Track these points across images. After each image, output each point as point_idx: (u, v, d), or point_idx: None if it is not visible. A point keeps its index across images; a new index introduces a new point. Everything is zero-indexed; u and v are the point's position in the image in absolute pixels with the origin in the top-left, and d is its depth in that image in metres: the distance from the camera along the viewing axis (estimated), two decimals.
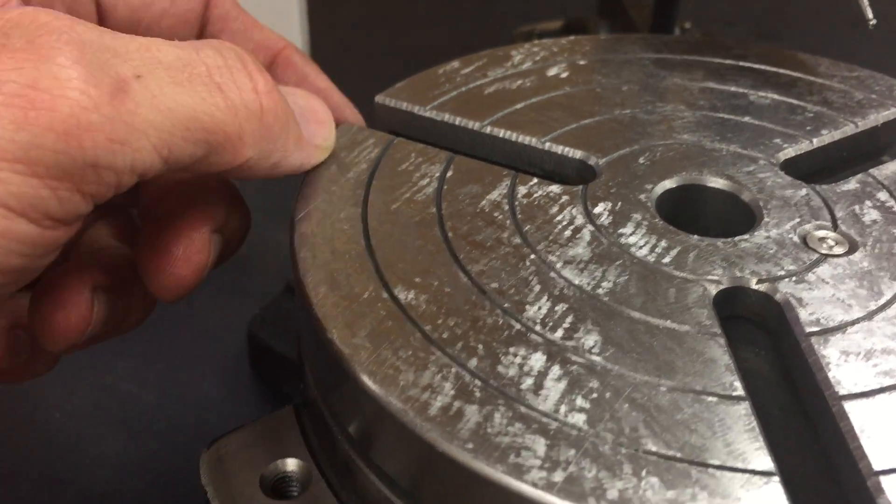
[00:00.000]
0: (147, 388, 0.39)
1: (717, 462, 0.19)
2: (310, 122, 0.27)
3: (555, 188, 0.28)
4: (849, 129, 0.31)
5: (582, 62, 0.35)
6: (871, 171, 0.29)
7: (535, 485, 0.19)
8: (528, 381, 0.21)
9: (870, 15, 0.32)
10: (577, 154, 0.30)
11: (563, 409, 0.20)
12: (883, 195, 0.28)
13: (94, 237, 0.29)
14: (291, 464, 0.25)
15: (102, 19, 0.28)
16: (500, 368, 0.21)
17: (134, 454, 0.36)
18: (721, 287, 0.24)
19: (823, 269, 0.25)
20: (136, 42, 0.21)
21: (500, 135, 0.31)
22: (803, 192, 0.28)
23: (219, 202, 0.27)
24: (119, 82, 0.20)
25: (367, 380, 0.21)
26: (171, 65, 0.21)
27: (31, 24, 0.20)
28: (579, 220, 0.26)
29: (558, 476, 0.19)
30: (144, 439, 0.37)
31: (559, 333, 0.22)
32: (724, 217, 0.28)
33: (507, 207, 0.27)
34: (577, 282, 0.24)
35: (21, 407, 0.38)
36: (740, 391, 0.21)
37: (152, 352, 0.39)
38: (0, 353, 0.26)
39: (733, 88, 0.33)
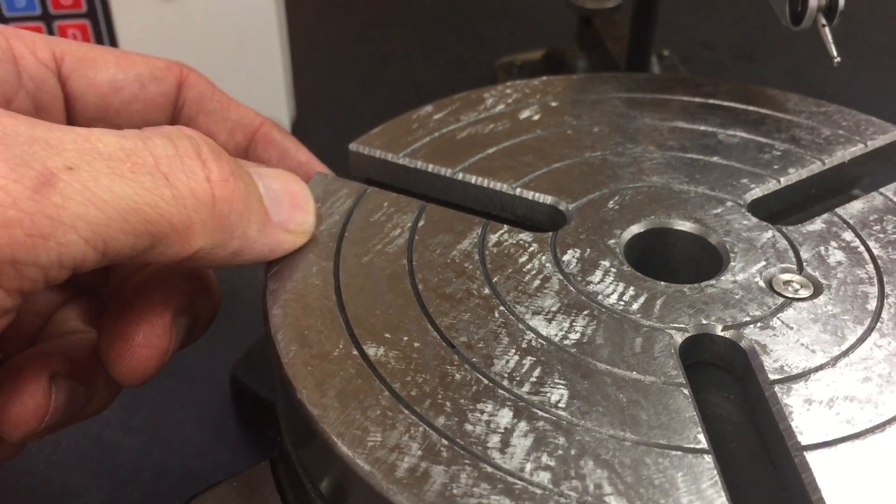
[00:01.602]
0: (132, 435, 0.39)
1: None
2: (283, 206, 0.26)
3: (524, 236, 0.28)
4: (816, 167, 0.31)
5: (554, 104, 0.35)
6: (837, 210, 0.29)
7: None
8: (495, 439, 0.21)
9: (834, 52, 0.32)
10: (548, 199, 0.30)
11: (528, 467, 0.21)
12: (848, 235, 0.28)
13: (61, 321, 0.29)
14: None
15: (71, 107, 0.28)
16: (468, 426, 0.22)
17: (119, 502, 0.36)
18: (687, 335, 0.24)
19: (788, 314, 0.25)
20: (74, 133, 0.21)
21: (472, 181, 0.31)
22: (769, 234, 0.28)
23: (183, 284, 0.26)
24: (45, 175, 0.20)
25: (335, 440, 0.21)
26: (111, 155, 0.21)
27: None
28: (548, 268, 0.27)
29: None
30: (129, 488, 0.37)
31: (526, 388, 0.23)
32: (693, 260, 0.28)
33: (477, 257, 0.27)
34: (545, 333, 0.24)
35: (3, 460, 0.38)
36: (704, 444, 0.21)
37: (136, 397, 0.40)
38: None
39: (702, 127, 0.34)
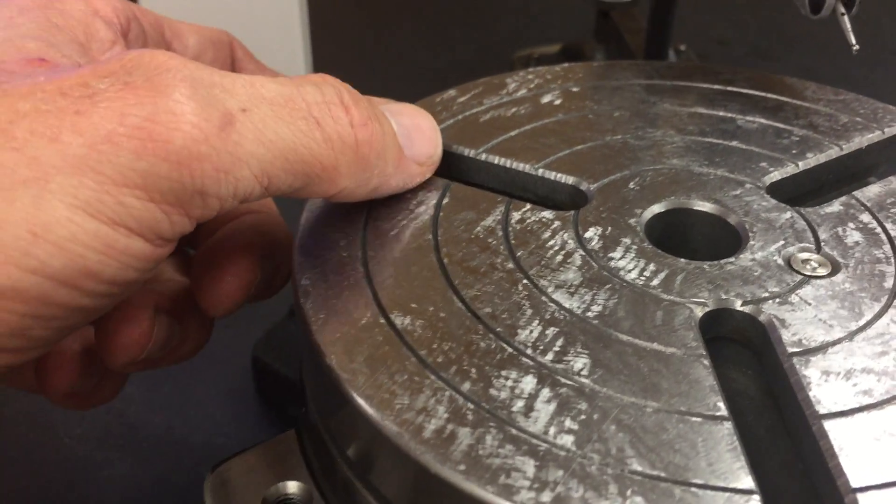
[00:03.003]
0: (155, 412, 0.39)
1: (699, 481, 0.20)
2: (414, 140, 0.28)
3: (547, 214, 0.29)
4: (833, 153, 0.32)
5: (575, 89, 0.36)
6: (854, 193, 0.30)
7: None
8: (519, 404, 0.22)
9: (853, 41, 0.33)
10: (570, 180, 0.30)
11: (552, 430, 0.21)
12: (865, 217, 0.28)
13: (161, 270, 0.31)
14: (293, 486, 0.26)
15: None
16: (493, 391, 0.22)
17: (142, 477, 0.37)
18: (707, 309, 0.25)
19: (806, 291, 0.25)
20: (242, 79, 0.23)
21: (495, 161, 0.32)
22: (788, 215, 0.28)
23: (267, 233, 0.29)
24: (226, 116, 0.22)
25: (363, 404, 0.22)
26: (273, 100, 0.23)
27: (150, 64, 0.22)
28: (570, 244, 0.27)
29: (546, 496, 0.19)
30: (152, 462, 0.37)
31: (550, 356, 0.23)
32: (712, 240, 0.29)
33: (500, 233, 0.28)
34: (567, 305, 0.25)
35: (32, 432, 0.39)
36: (723, 411, 0.22)
37: (160, 376, 0.40)
38: (73, 376, 0.28)
39: (722, 113, 0.34)
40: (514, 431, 0.21)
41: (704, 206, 0.29)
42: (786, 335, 0.24)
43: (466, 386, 0.22)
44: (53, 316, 0.21)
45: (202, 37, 0.31)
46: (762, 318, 0.25)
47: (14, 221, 0.19)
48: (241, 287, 0.28)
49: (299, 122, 0.23)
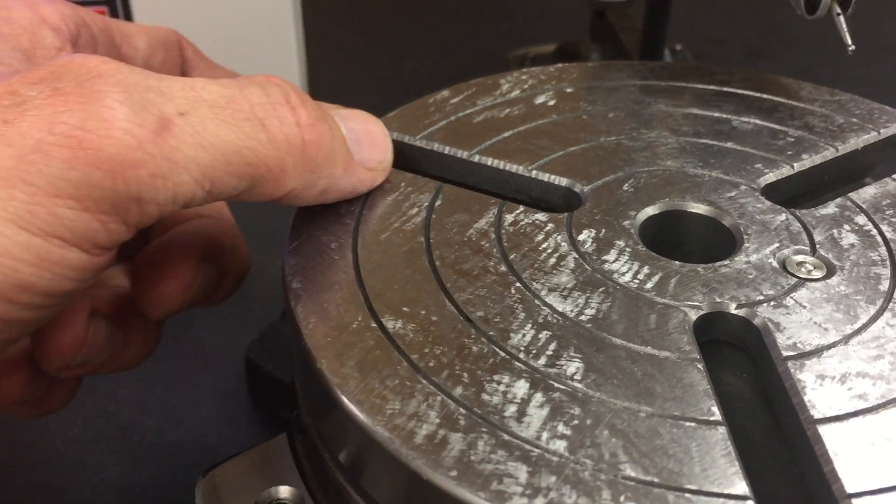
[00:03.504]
0: (147, 414, 0.39)
1: (693, 487, 0.20)
2: (363, 145, 0.28)
3: (540, 216, 0.28)
4: (829, 154, 0.31)
5: (569, 90, 0.36)
6: (850, 194, 0.29)
7: None
8: (512, 409, 0.22)
9: (849, 41, 0.32)
10: (563, 181, 0.30)
11: (544, 435, 0.21)
12: (861, 219, 0.28)
13: (107, 276, 0.30)
14: (284, 491, 0.26)
15: None
16: (485, 396, 0.22)
17: (135, 479, 0.37)
18: (701, 312, 0.25)
19: (801, 294, 0.25)
20: (181, 82, 0.22)
21: (489, 163, 0.31)
22: (783, 216, 0.28)
23: (212, 236, 0.29)
24: (162, 120, 0.21)
25: (354, 409, 0.22)
26: (214, 102, 0.22)
27: (80, 69, 0.21)
28: (564, 247, 0.27)
29: (539, 502, 0.19)
30: (145, 464, 0.37)
31: (542, 361, 0.23)
32: (707, 242, 0.29)
33: (493, 236, 0.27)
34: (560, 309, 0.25)
35: (24, 434, 0.38)
36: (717, 416, 0.21)
37: (152, 378, 0.40)
38: (20, 384, 0.27)
39: (716, 114, 0.34)
40: (506, 437, 0.21)
41: (699, 208, 0.29)
42: (780, 339, 0.24)
43: (458, 391, 0.22)
44: None
45: (151, 38, 0.31)
46: (757, 321, 0.24)
47: None
48: (179, 289, 0.28)
49: (242, 124, 0.23)
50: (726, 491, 0.20)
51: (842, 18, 0.32)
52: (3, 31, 0.25)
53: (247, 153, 0.23)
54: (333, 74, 0.65)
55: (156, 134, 0.21)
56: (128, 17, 0.51)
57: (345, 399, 0.22)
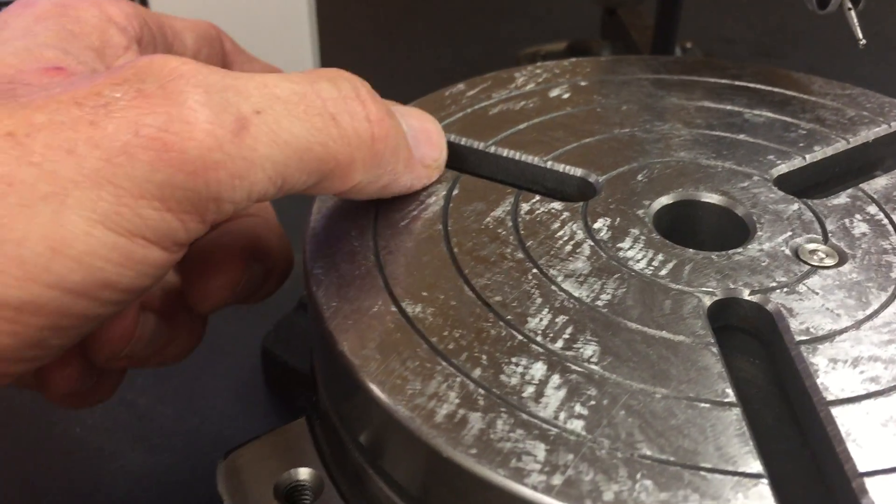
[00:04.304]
0: (165, 403, 0.40)
1: (708, 465, 0.20)
2: (421, 143, 0.28)
3: (556, 205, 0.29)
4: (840, 146, 0.32)
5: (583, 83, 0.36)
6: (861, 185, 0.30)
7: (534, 488, 0.20)
8: (530, 390, 0.22)
9: (860, 35, 0.33)
10: (578, 172, 0.31)
11: (562, 415, 0.21)
12: (872, 209, 0.29)
13: None
14: (304, 473, 0.27)
15: None
16: (503, 378, 0.22)
17: (152, 467, 0.37)
18: (715, 298, 0.25)
19: (814, 281, 0.26)
20: (255, 80, 0.23)
21: (504, 154, 0.32)
22: (795, 206, 0.29)
23: (260, 235, 0.29)
24: (240, 120, 0.21)
25: (375, 389, 0.22)
26: (287, 99, 0.23)
27: (162, 70, 0.21)
28: (579, 235, 0.27)
29: (557, 479, 0.20)
30: (162, 452, 0.38)
31: (559, 344, 0.23)
32: (720, 231, 0.29)
33: (510, 224, 0.28)
34: (576, 294, 0.25)
35: (42, 422, 0.39)
36: (732, 398, 0.22)
37: (170, 368, 0.40)
38: (74, 377, 0.28)
39: (729, 107, 0.34)
40: (524, 416, 0.21)
41: (712, 198, 0.29)
42: (793, 324, 0.24)
43: (477, 372, 0.22)
44: (70, 326, 0.21)
45: (197, 34, 0.31)
46: (770, 307, 0.25)
47: (34, 238, 0.19)
48: (227, 285, 0.28)
49: (315, 119, 0.23)
50: (740, 469, 0.20)
51: (853, 13, 0.33)
52: (75, 29, 0.25)
53: (318, 149, 0.23)
54: (346, 70, 0.66)
55: (234, 134, 0.21)
56: None
57: (366, 380, 0.22)
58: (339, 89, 0.24)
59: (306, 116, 0.23)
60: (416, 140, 0.28)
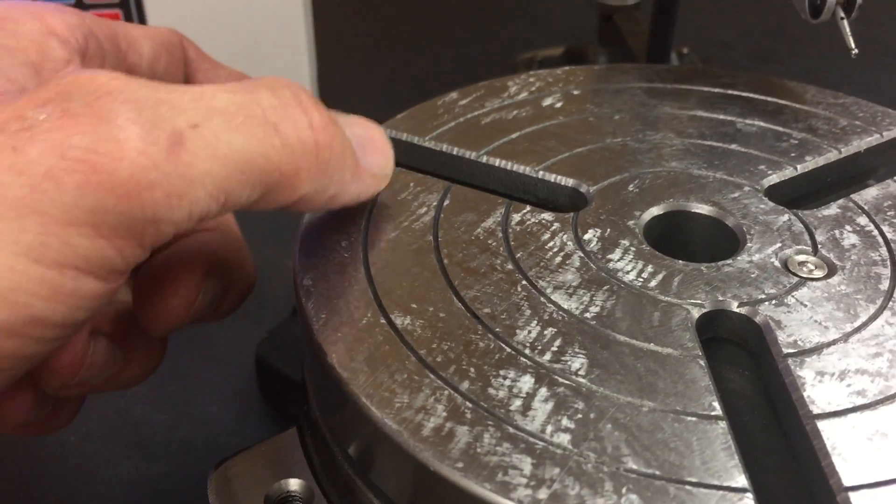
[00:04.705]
0: (159, 411, 0.40)
1: (694, 479, 0.20)
2: (367, 151, 0.27)
3: (547, 215, 0.29)
4: (832, 156, 0.32)
5: (576, 92, 0.36)
6: (852, 196, 0.30)
7: (520, 502, 0.20)
8: (517, 403, 0.22)
9: (852, 44, 0.33)
10: (570, 182, 0.31)
11: (549, 429, 0.21)
12: (863, 220, 0.29)
13: None
14: (294, 483, 0.27)
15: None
16: (491, 390, 0.22)
17: (146, 474, 0.37)
18: (704, 310, 0.25)
19: (803, 293, 0.26)
20: (190, 92, 0.22)
21: (496, 164, 0.32)
22: (785, 217, 0.29)
23: (217, 250, 0.28)
24: (175, 135, 0.20)
25: (364, 402, 0.22)
26: (225, 110, 0.22)
27: (89, 87, 0.20)
28: (569, 246, 0.28)
29: (543, 493, 0.20)
30: (156, 460, 0.38)
31: (547, 357, 0.23)
32: (710, 242, 0.29)
33: (500, 235, 0.28)
34: (565, 306, 0.25)
35: None
36: (718, 411, 0.22)
37: (164, 375, 0.41)
38: (26, 408, 0.26)
39: (721, 116, 0.34)
40: (511, 430, 0.21)
41: (703, 209, 0.29)
42: (781, 336, 0.24)
43: (465, 385, 0.23)
44: (1, 368, 0.20)
45: (155, 42, 0.30)
46: (758, 319, 0.25)
47: None
48: (181, 305, 0.27)
49: (255, 130, 0.22)
50: (726, 483, 0.20)
51: (845, 22, 0.33)
52: (10, 44, 0.24)
53: (261, 160, 0.22)
54: (343, 76, 0.66)
55: (169, 151, 0.20)
56: (141, 18, 0.51)
57: (355, 392, 0.22)
58: (280, 97, 0.23)
59: (246, 127, 0.22)
60: (362, 148, 0.26)
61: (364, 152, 0.27)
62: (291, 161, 0.23)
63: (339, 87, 0.63)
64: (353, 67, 0.68)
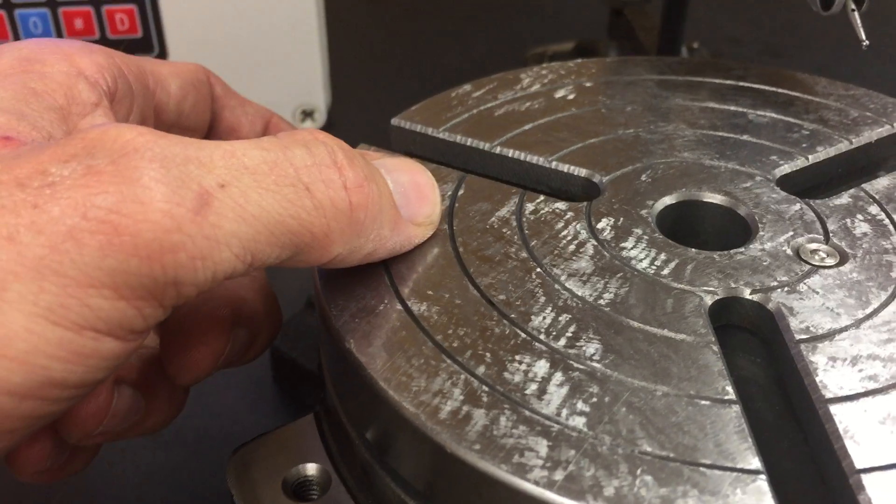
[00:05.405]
0: None
1: (707, 461, 0.20)
2: (412, 200, 0.26)
3: (560, 205, 0.29)
4: (843, 146, 0.32)
5: (588, 84, 0.37)
6: (863, 185, 0.30)
7: (536, 483, 0.20)
8: (533, 387, 0.22)
9: (863, 36, 0.33)
10: (583, 172, 0.31)
11: (564, 412, 0.22)
12: (874, 209, 0.29)
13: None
14: (312, 468, 0.27)
15: (157, 118, 0.29)
16: (507, 375, 0.23)
17: (163, 463, 0.38)
18: (716, 297, 0.25)
19: (814, 280, 0.26)
20: (221, 149, 0.21)
21: (510, 154, 0.32)
22: (797, 206, 0.29)
23: (247, 300, 0.28)
24: (202, 195, 0.20)
25: (382, 386, 0.23)
26: (256, 169, 0.21)
27: (115, 143, 0.20)
28: (583, 235, 0.28)
29: (559, 475, 0.20)
30: (173, 449, 0.38)
31: (562, 342, 0.24)
32: (722, 231, 0.29)
33: (514, 223, 0.28)
34: (580, 293, 0.25)
35: None
36: (732, 395, 0.22)
37: None
38: (43, 456, 0.26)
39: (733, 108, 0.35)
40: (527, 413, 0.22)
41: (715, 198, 0.30)
42: (793, 323, 0.24)
43: (481, 370, 0.23)
44: (15, 428, 0.19)
45: (183, 79, 0.29)
46: (771, 306, 0.25)
47: None
48: (210, 355, 0.26)
49: (286, 191, 0.21)
50: (739, 465, 0.20)
51: (856, 14, 0.33)
52: (37, 87, 0.23)
53: (291, 222, 0.21)
54: (354, 71, 0.66)
55: (195, 212, 0.20)
56: (156, 16, 0.52)
57: (373, 377, 0.23)
58: (314, 155, 0.22)
59: (277, 187, 0.21)
60: (406, 197, 0.26)
61: (408, 200, 0.26)
62: (323, 223, 0.22)
63: (350, 85, 0.63)
64: (364, 64, 0.69)
